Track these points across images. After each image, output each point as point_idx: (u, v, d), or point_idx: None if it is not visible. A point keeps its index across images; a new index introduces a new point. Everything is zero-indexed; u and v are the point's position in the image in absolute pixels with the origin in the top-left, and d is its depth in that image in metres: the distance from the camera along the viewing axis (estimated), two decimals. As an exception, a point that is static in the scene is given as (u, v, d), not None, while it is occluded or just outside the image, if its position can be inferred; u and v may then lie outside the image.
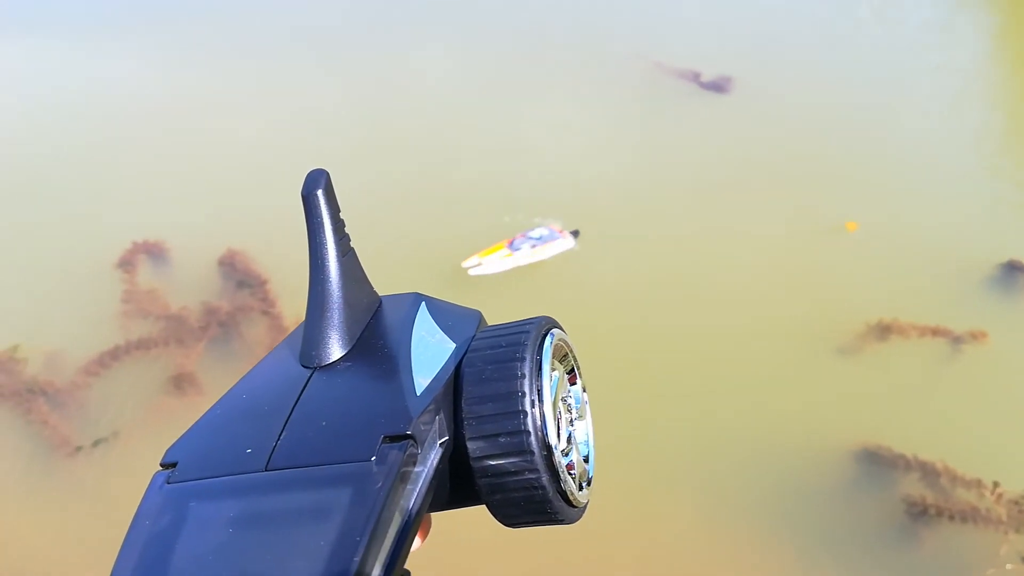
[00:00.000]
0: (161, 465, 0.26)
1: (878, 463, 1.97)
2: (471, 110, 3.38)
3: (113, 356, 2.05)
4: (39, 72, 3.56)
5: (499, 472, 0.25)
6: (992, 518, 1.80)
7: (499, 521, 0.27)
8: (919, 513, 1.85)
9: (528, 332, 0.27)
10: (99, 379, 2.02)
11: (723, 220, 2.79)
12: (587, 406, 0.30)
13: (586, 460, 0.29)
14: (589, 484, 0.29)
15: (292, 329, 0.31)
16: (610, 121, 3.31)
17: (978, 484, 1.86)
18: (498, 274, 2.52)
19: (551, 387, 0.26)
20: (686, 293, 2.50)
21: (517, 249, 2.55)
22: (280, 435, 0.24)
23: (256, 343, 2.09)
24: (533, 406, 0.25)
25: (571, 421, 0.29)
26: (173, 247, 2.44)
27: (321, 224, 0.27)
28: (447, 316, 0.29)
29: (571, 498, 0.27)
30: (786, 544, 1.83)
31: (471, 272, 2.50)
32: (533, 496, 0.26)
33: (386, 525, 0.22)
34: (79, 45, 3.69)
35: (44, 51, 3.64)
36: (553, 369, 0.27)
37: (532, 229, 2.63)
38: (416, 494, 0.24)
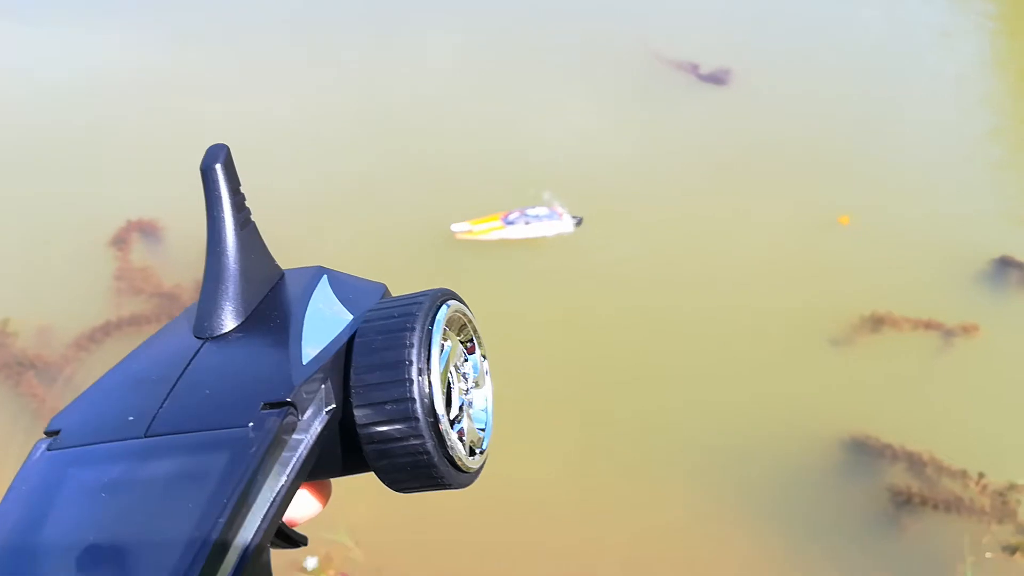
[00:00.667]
0: (45, 433, 0.26)
1: (865, 452, 1.98)
2: (470, 97, 3.38)
3: (104, 332, 2.05)
4: (35, 53, 3.56)
5: (384, 438, 0.26)
6: (976, 508, 1.81)
7: (388, 487, 0.27)
8: (903, 502, 1.85)
9: (420, 303, 0.27)
10: (90, 354, 2.02)
11: (719, 211, 2.79)
12: (487, 375, 0.31)
13: (483, 428, 0.30)
14: (483, 451, 0.29)
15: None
16: (607, 111, 3.30)
17: (963, 475, 1.87)
18: (490, 243, 2.54)
19: (441, 357, 0.27)
20: (679, 281, 2.51)
21: (511, 223, 2.57)
22: (163, 403, 0.25)
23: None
24: (420, 374, 0.26)
25: (467, 390, 0.29)
26: (167, 226, 2.44)
27: (219, 197, 0.27)
28: (348, 289, 0.30)
29: (459, 463, 0.27)
30: (772, 529, 1.84)
31: (458, 237, 2.53)
32: (418, 461, 0.26)
33: (258, 488, 0.23)
34: (74, 26, 3.69)
35: (39, 32, 3.64)
36: (446, 339, 0.28)
37: (532, 207, 2.63)
38: (295, 459, 0.24)
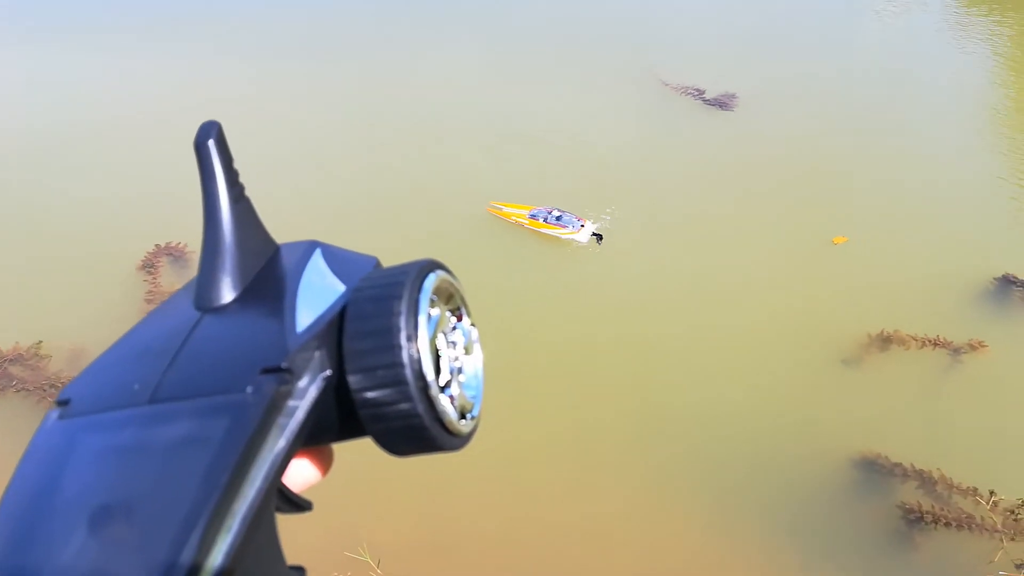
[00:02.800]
0: (56, 403, 0.27)
1: (876, 471, 2.01)
2: (494, 112, 3.47)
3: (135, 354, 2.09)
4: (67, 78, 3.60)
5: (378, 403, 0.27)
6: (987, 526, 1.84)
7: (386, 451, 0.28)
8: (915, 520, 1.89)
9: (408, 273, 0.28)
10: (121, 377, 2.05)
11: (729, 232, 2.84)
12: (476, 343, 0.31)
13: (474, 394, 0.30)
14: (474, 416, 0.30)
15: None
16: (614, 133, 3.37)
17: (974, 492, 1.91)
18: (512, 225, 2.93)
19: (429, 324, 0.28)
20: (688, 301, 2.55)
21: (533, 217, 2.93)
22: (165, 371, 0.26)
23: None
24: (409, 340, 0.26)
25: (456, 357, 0.30)
26: (194, 249, 2.48)
27: (213, 173, 0.28)
28: (341, 262, 0.31)
29: (450, 427, 0.28)
30: (784, 547, 1.86)
31: (488, 209, 2.96)
32: (411, 424, 0.27)
33: (258, 449, 0.24)
34: (109, 49, 3.74)
35: (73, 58, 3.69)
36: (434, 307, 0.29)
37: (560, 211, 2.92)
38: (292, 423, 0.25)
